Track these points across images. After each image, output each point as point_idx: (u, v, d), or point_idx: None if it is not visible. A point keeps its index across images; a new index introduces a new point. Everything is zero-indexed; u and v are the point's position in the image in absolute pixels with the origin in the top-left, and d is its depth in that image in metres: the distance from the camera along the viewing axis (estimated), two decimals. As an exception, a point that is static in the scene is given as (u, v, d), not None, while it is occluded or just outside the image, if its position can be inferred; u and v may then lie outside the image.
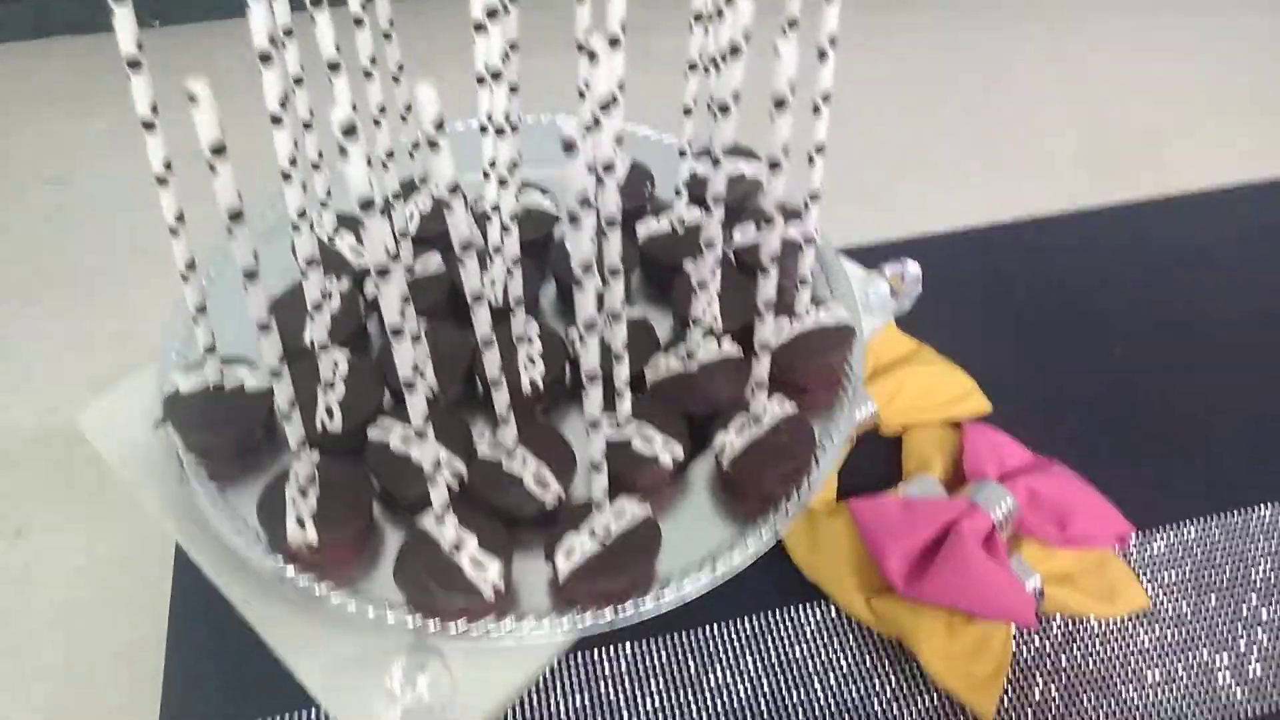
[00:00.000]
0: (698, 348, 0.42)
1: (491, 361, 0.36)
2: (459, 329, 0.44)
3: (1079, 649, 0.62)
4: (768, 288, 0.35)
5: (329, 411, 0.40)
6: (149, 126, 0.31)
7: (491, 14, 0.36)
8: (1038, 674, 0.61)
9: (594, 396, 0.32)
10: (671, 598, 0.37)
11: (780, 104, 0.31)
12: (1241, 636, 0.62)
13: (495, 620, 0.36)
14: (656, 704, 0.58)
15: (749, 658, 0.61)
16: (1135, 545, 0.66)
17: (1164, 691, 0.60)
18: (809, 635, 0.63)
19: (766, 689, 0.60)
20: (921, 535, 0.61)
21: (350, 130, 0.24)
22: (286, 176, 0.33)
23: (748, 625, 0.63)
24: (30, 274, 1.13)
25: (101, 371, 0.85)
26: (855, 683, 0.60)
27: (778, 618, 0.63)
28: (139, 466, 0.42)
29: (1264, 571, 0.65)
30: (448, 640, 0.36)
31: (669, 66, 0.43)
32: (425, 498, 0.36)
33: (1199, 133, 0.91)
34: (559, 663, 0.59)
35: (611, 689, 0.59)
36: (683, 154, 0.47)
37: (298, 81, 0.38)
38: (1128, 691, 0.60)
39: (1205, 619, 0.63)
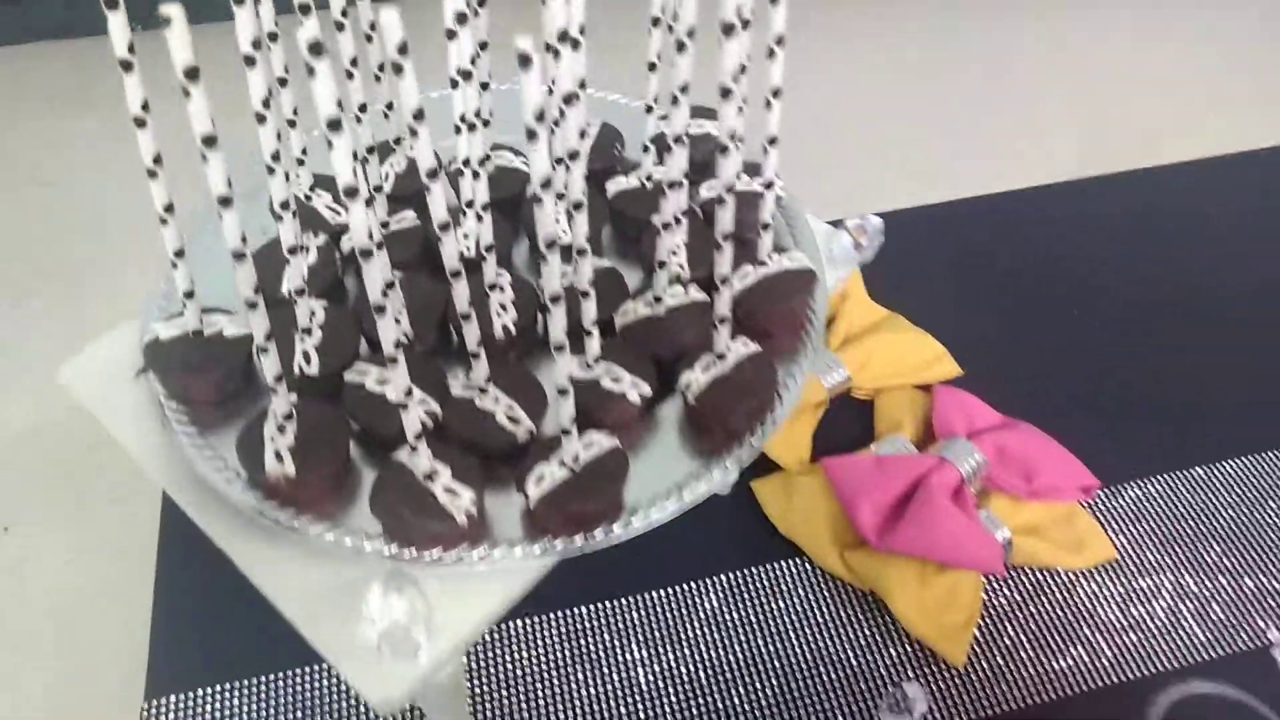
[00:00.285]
0: (664, 292, 0.44)
1: (461, 296, 0.37)
2: (433, 280, 0.45)
3: (1047, 598, 0.64)
4: (725, 219, 0.37)
5: (306, 356, 0.41)
6: (140, 123, 0.33)
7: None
8: (1008, 622, 0.63)
9: (557, 317, 0.33)
10: (639, 524, 0.39)
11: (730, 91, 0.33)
12: (1205, 583, 0.64)
13: (469, 548, 0.38)
14: (637, 656, 0.60)
15: (728, 612, 0.62)
16: (1102, 500, 0.68)
17: (1130, 637, 0.61)
18: (785, 590, 0.64)
19: (744, 641, 0.61)
20: (892, 489, 0.63)
21: (335, 124, 0.26)
22: (261, 119, 0.34)
23: (726, 581, 0.64)
24: (20, 272, 1.14)
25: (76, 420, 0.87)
26: (831, 634, 0.62)
27: (755, 573, 0.65)
28: (121, 415, 0.43)
29: (1225, 522, 0.67)
30: (423, 567, 0.38)
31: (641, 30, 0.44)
32: (400, 436, 0.38)
33: (1200, 129, 0.93)
34: (542, 619, 0.61)
35: (593, 643, 0.61)
36: (649, 109, 0.48)
37: (272, 36, 0.40)
38: (1095, 638, 0.61)
39: (1170, 568, 0.65)
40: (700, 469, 0.41)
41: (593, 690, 0.58)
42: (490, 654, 0.59)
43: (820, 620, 0.62)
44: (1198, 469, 0.69)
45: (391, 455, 0.38)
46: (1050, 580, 0.64)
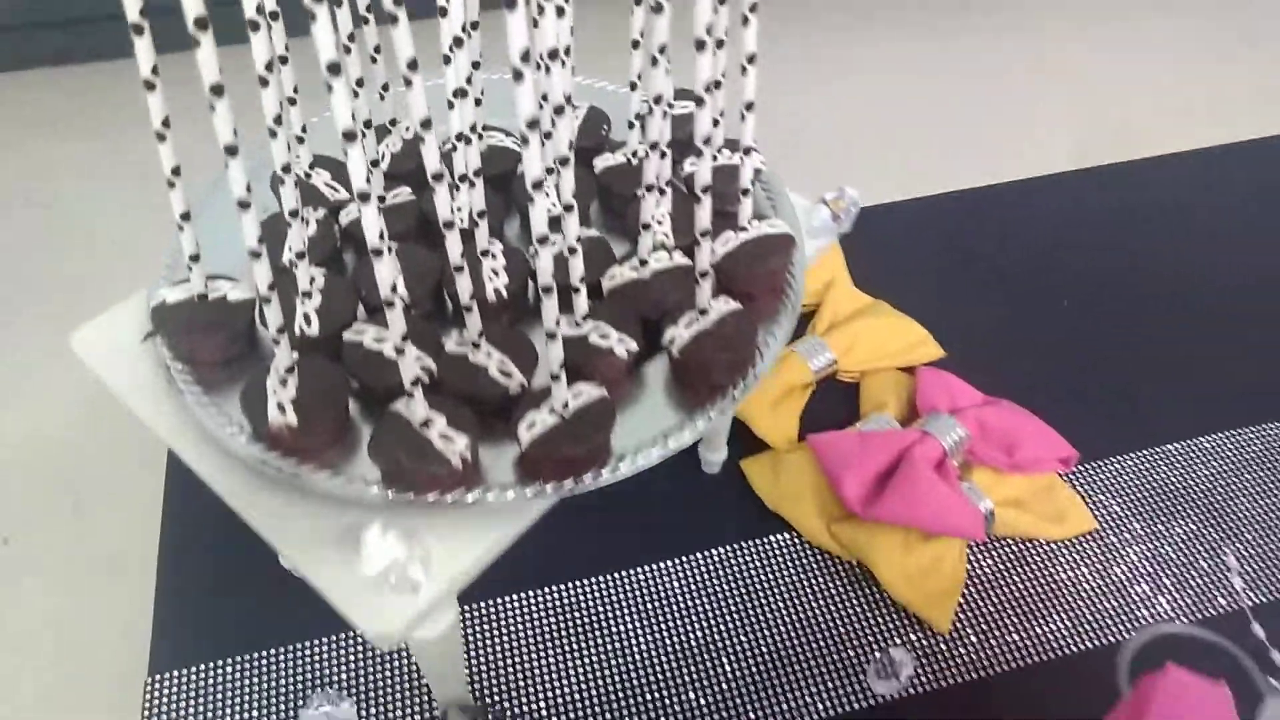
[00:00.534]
0: (649, 255, 0.46)
1: (454, 248, 0.39)
2: (428, 251, 0.47)
3: (1030, 568, 0.65)
4: (703, 172, 0.39)
5: (306, 318, 0.43)
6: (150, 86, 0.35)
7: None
8: (992, 591, 0.64)
9: (545, 258, 0.35)
10: (626, 469, 0.41)
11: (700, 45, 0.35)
12: (1182, 554, 0.66)
13: (464, 491, 0.39)
14: (632, 627, 0.62)
15: (719, 585, 0.64)
16: (1082, 474, 0.70)
17: (1110, 604, 0.63)
18: (775, 563, 0.66)
19: (736, 612, 0.63)
20: (876, 462, 0.65)
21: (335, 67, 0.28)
22: (264, 81, 0.36)
23: (718, 555, 0.66)
24: (14, 290, 1.16)
25: (88, 380, 0.89)
26: (819, 603, 0.63)
27: (745, 548, 0.66)
28: (129, 379, 0.44)
29: (1202, 495, 0.69)
30: (420, 510, 0.39)
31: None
32: (397, 390, 0.40)
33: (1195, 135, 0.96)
34: (539, 593, 0.62)
35: (589, 616, 0.62)
36: (633, 86, 0.50)
37: (272, 15, 0.42)
38: (1077, 605, 0.63)
39: (1148, 539, 0.67)
40: (684, 420, 0.43)
41: (589, 660, 0.60)
42: (488, 627, 0.61)
43: (809, 591, 0.64)
44: (1173, 445, 0.71)
45: (389, 407, 0.40)
46: (1032, 550, 0.66)
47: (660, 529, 0.67)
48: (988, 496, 0.66)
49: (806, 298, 0.79)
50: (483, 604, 0.62)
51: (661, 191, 0.46)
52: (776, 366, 0.73)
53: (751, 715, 0.57)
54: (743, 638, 0.61)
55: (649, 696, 0.58)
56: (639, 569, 0.65)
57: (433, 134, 0.36)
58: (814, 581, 0.65)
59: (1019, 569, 0.65)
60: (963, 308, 0.81)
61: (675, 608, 0.63)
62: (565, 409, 0.40)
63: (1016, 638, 0.61)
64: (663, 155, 0.44)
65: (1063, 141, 1.09)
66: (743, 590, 0.64)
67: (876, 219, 0.90)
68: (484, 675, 0.58)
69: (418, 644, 0.45)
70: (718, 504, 0.69)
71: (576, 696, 0.58)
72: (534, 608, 0.62)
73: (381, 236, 0.34)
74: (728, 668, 0.60)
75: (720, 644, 0.61)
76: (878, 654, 0.60)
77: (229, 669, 0.59)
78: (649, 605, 0.63)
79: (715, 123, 0.45)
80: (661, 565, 0.65)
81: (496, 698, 0.57)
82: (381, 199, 0.50)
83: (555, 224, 0.45)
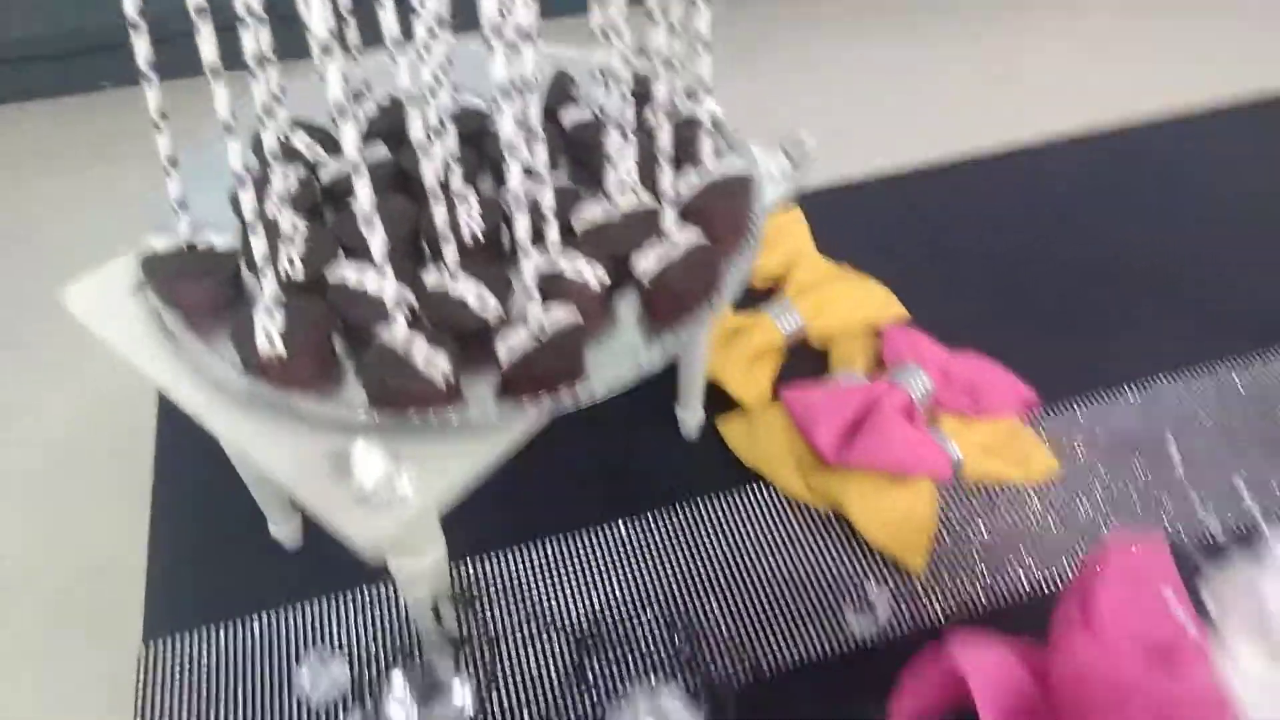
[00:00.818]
0: (618, 196, 0.48)
1: (429, 171, 0.41)
2: (405, 201, 0.49)
3: (999, 511, 0.68)
4: (661, 92, 0.42)
5: (290, 261, 0.45)
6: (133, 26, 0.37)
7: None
8: (964, 531, 0.67)
9: (514, 171, 0.38)
10: (601, 390, 0.43)
11: None
12: (1138, 493, 0.68)
13: (447, 410, 0.41)
14: (618, 577, 0.63)
15: (700, 536, 0.66)
16: (1045, 420, 0.72)
17: (1078, 544, 0.65)
18: (753, 515, 0.68)
19: (717, 561, 0.65)
20: (846, 411, 0.67)
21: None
22: (242, 20, 0.39)
23: (698, 508, 0.68)
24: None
25: (73, 403, 0.89)
26: (797, 550, 0.65)
27: (724, 501, 0.68)
28: (121, 329, 0.46)
29: (1154, 436, 0.71)
30: (406, 430, 0.41)
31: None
32: (380, 322, 0.42)
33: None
34: (525, 548, 0.64)
35: (575, 568, 0.64)
36: (601, 38, 0.53)
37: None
38: (1044, 543, 0.65)
39: (1112, 480, 0.69)
40: (655, 344, 0.45)
41: (575, 610, 0.61)
42: (477, 577, 0.62)
43: (786, 539, 0.66)
44: (1128, 387, 0.74)
45: (373, 331, 0.42)
46: (1000, 495, 0.68)
47: (640, 488, 0.69)
48: (955, 443, 0.68)
49: (775, 268, 0.82)
50: (467, 560, 0.63)
51: (625, 136, 0.48)
52: (748, 330, 0.76)
53: (733, 660, 0.59)
54: (722, 587, 0.63)
55: (630, 648, 0.59)
56: (619, 524, 0.66)
57: (415, 101, 0.38)
58: (791, 530, 0.67)
59: (989, 513, 0.67)
60: (924, 273, 0.84)
61: (659, 558, 0.64)
62: (541, 331, 0.42)
63: (989, 582, 0.63)
64: (624, 98, 0.47)
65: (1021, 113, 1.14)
66: (722, 542, 0.66)
67: (840, 196, 0.93)
68: (473, 624, 0.60)
69: (407, 576, 0.47)
70: (696, 464, 0.71)
71: (557, 650, 0.59)
72: (520, 561, 0.64)
73: (358, 149, 0.36)
74: (712, 614, 0.61)
75: (703, 592, 0.62)
76: (855, 593, 0.62)
77: (224, 633, 0.60)
78: (632, 556, 0.64)
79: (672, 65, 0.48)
80: (641, 521, 0.66)
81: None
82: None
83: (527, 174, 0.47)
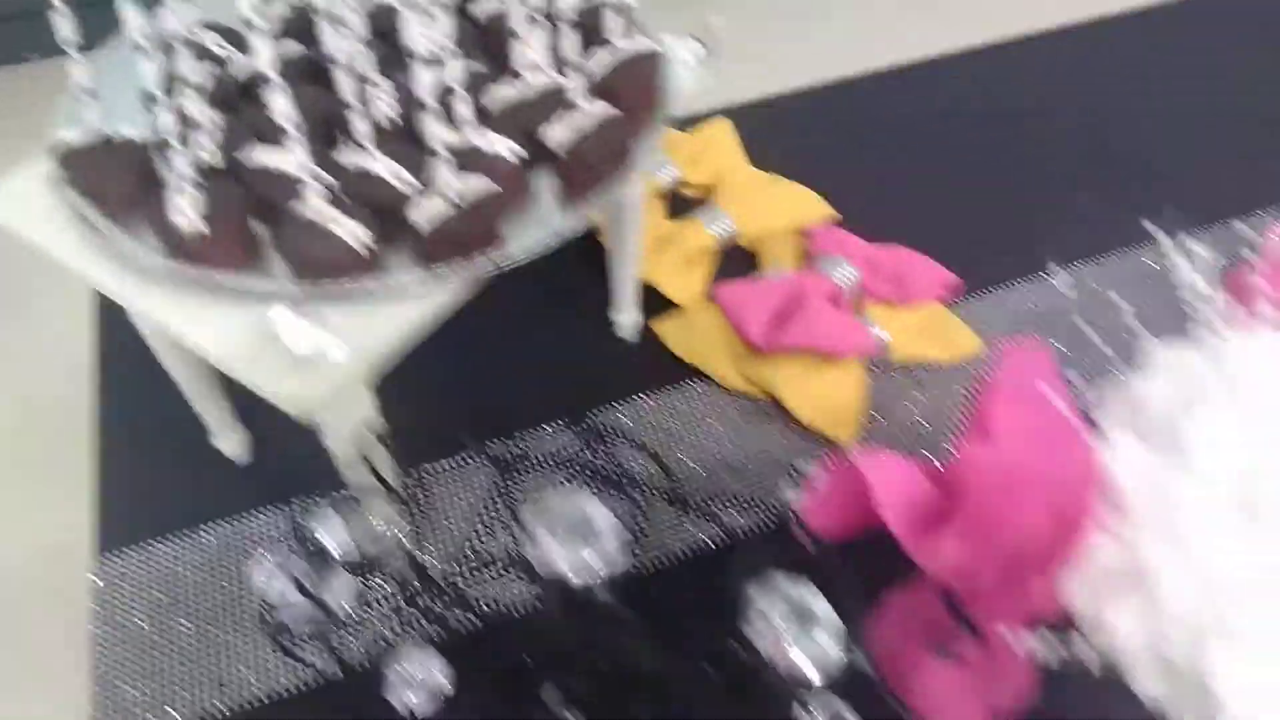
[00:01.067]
0: (529, 76, 0.49)
1: (339, 54, 0.42)
2: (318, 90, 0.50)
3: (925, 389, 0.70)
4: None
5: (205, 149, 0.46)
6: None
7: None
8: (892, 407, 0.69)
9: (414, 33, 0.39)
10: (519, 252, 0.44)
11: None
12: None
13: (367, 276, 0.43)
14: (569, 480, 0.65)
15: (643, 429, 0.68)
16: (969, 305, 0.75)
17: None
18: (692, 407, 0.70)
19: (660, 450, 0.66)
20: (774, 299, 0.69)
21: None
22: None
23: (639, 404, 0.70)
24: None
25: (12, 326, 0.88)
26: (735, 437, 0.67)
27: (664, 397, 0.70)
28: (42, 225, 0.47)
29: (1071, 316, 0.74)
30: (329, 299, 0.42)
31: None
32: (295, 199, 0.43)
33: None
34: (475, 459, 0.65)
35: (516, 472, 0.65)
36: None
37: None
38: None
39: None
40: (570, 210, 0.46)
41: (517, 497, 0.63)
42: (419, 492, 0.64)
43: (725, 427, 0.68)
44: (1049, 272, 0.77)
45: (290, 206, 0.43)
46: (926, 374, 0.71)
47: (580, 389, 0.70)
48: (882, 328, 0.70)
49: (706, 179, 0.84)
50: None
51: (533, 18, 0.49)
52: (680, 235, 0.77)
53: (676, 542, 0.61)
54: (663, 476, 0.65)
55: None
56: (558, 423, 0.68)
57: None
58: (729, 418, 0.69)
59: (915, 388, 0.70)
60: (854, 178, 0.86)
61: (605, 457, 0.66)
62: (458, 197, 0.43)
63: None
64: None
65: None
66: (663, 433, 0.67)
67: (770, 111, 0.94)
68: (428, 538, 0.61)
69: (335, 434, 0.48)
70: (635, 365, 0.72)
71: (504, 548, 0.61)
72: (468, 471, 0.65)
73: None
74: (657, 501, 0.63)
75: (643, 484, 0.64)
76: (791, 470, 0.64)
77: (176, 546, 0.61)
78: (571, 459, 0.66)
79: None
80: (587, 420, 0.68)
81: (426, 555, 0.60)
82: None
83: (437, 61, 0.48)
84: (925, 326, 0.72)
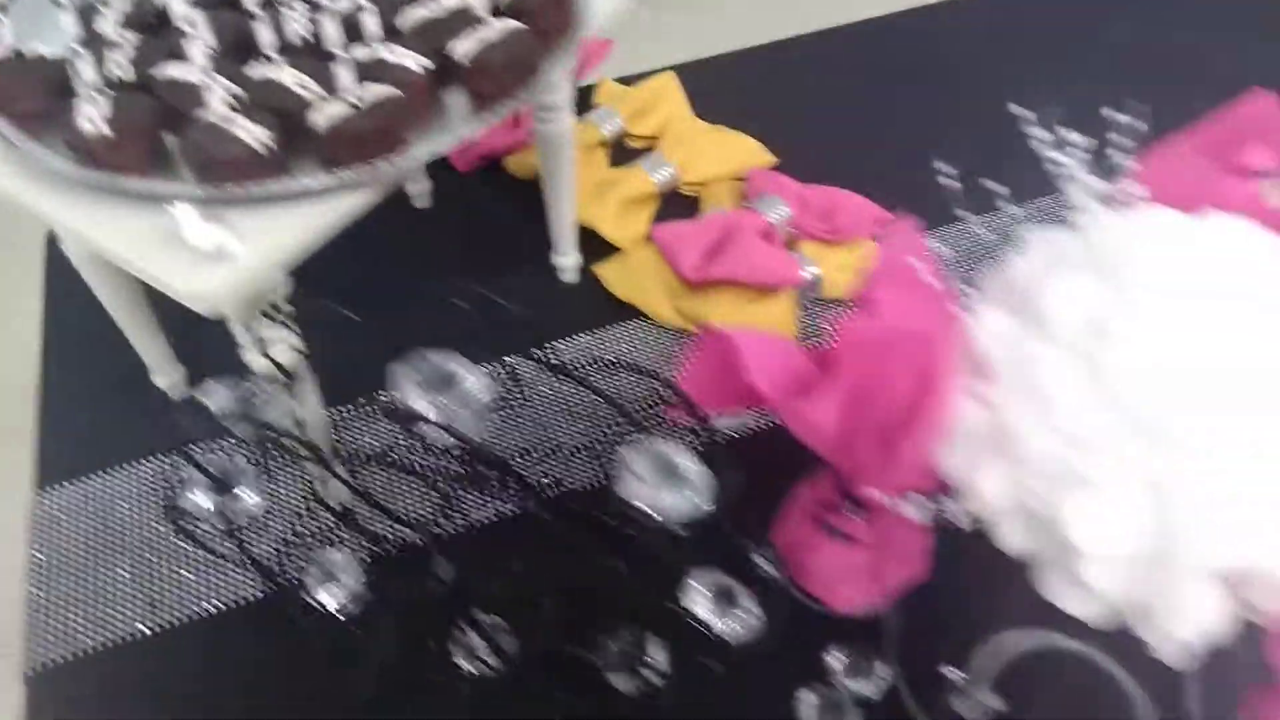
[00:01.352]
0: (439, -5, 0.51)
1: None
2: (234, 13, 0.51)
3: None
4: None
5: (117, 65, 0.47)
6: None
7: None
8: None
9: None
10: (421, 154, 0.45)
11: None
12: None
13: (271, 178, 0.44)
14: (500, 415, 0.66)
15: (581, 366, 0.69)
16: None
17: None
18: (629, 345, 0.71)
19: (600, 382, 0.67)
20: (708, 235, 0.70)
21: None
22: None
23: (579, 341, 0.71)
24: None
25: None
26: (667, 370, 0.68)
27: (602, 333, 0.71)
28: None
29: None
30: (233, 201, 0.43)
31: None
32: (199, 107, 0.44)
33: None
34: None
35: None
36: None
37: None
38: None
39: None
40: (475, 119, 0.48)
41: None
42: (359, 425, 0.65)
43: (660, 362, 0.69)
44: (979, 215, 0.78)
45: (195, 115, 0.44)
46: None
47: (520, 330, 0.71)
48: (814, 264, 0.71)
49: (650, 130, 0.85)
50: (346, 408, 0.65)
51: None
52: (622, 181, 0.78)
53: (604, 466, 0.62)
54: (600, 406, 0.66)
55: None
56: (498, 362, 0.69)
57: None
58: (666, 354, 0.70)
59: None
60: (795, 129, 0.87)
61: (538, 393, 0.67)
62: (359, 100, 0.44)
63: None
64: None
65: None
66: (604, 365, 0.69)
67: (715, 67, 0.96)
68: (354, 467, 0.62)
69: (244, 335, 0.49)
70: (576, 304, 0.74)
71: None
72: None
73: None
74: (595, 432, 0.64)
75: (583, 412, 0.65)
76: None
77: (113, 477, 0.62)
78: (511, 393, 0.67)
79: None
80: (523, 355, 0.69)
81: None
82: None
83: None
84: (856, 261, 0.73)
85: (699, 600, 0.40)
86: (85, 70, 0.44)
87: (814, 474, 0.45)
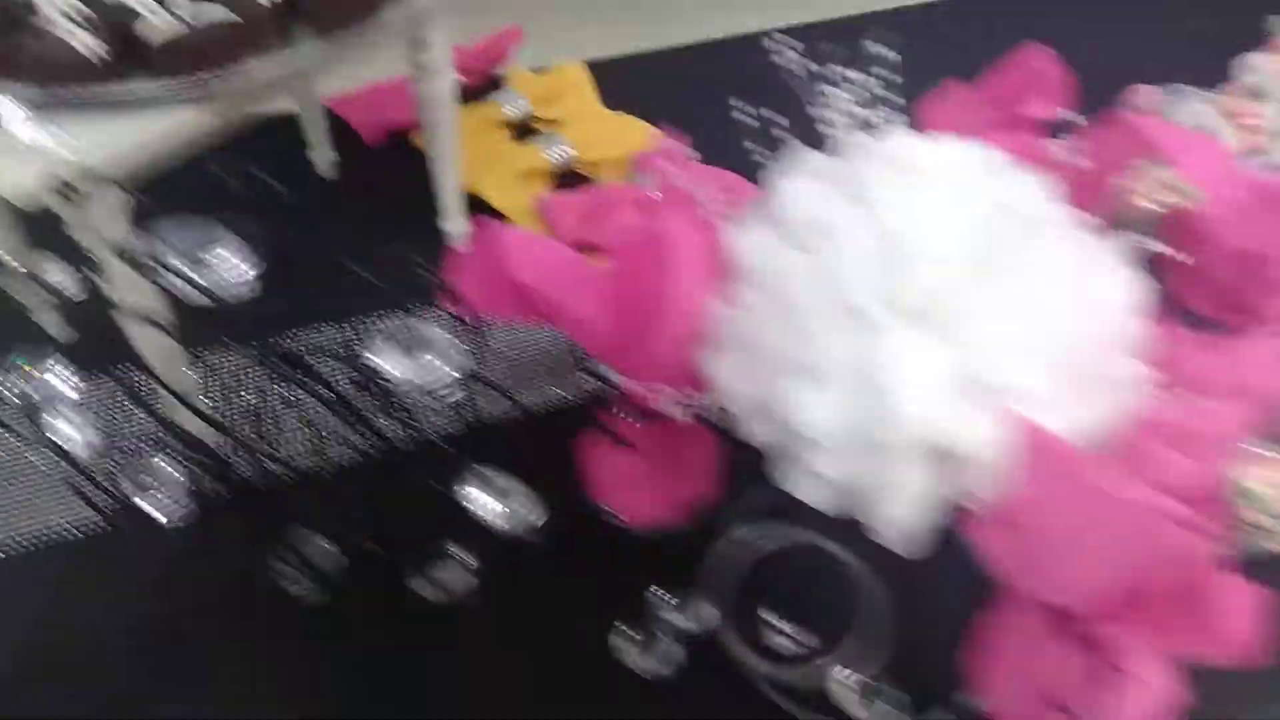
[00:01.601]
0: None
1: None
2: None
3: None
4: None
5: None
6: None
7: None
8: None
9: None
10: (259, 76, 0.48)
11: None
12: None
13: (104, 83, 0.46)
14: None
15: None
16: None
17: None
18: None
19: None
20: (586, 204, 0.73)
21: None
22: None
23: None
24: None
25: None
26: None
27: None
28: None
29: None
30: (66, 104, 0.46)
31: None
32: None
33: None
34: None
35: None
36: None
37: None
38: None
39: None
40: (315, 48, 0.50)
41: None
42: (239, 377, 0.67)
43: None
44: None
45: (30, 22, 0.47)
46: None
47: (406, 290, 0.73)
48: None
49: (555, 114, 0.88)
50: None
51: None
52: (514, 154, 0.82)
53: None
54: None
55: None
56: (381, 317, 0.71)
57: None
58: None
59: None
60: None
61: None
62: (190, 17, 0.47)
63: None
64: None
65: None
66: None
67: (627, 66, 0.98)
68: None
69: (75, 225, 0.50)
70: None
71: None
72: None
73: None
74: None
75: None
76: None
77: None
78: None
79: None
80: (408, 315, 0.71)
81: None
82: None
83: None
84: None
85: (476, 496, 0.41)
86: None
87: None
